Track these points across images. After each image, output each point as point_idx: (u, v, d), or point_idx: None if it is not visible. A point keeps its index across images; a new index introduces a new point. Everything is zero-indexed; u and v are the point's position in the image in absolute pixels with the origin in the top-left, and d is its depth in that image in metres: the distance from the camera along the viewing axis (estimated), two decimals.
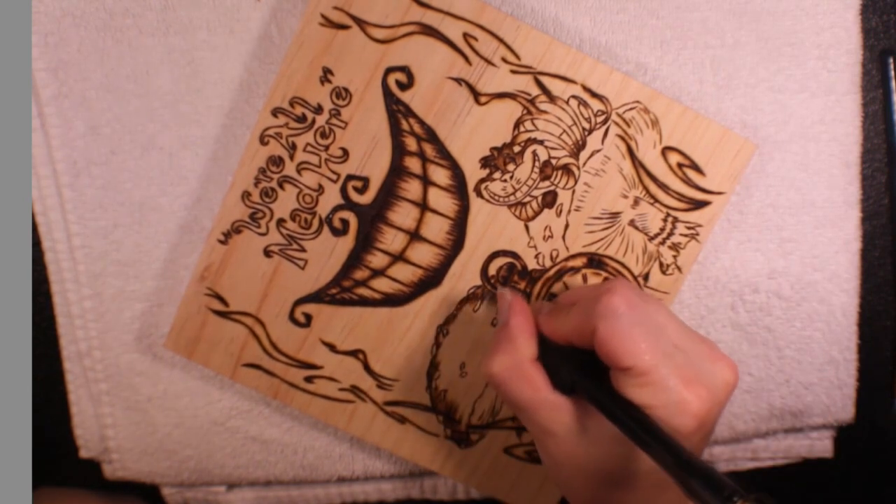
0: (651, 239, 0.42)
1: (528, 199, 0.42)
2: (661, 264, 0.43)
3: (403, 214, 0.42)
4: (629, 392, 0.33)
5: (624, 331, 0.34)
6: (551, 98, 0.41)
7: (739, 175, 0.42)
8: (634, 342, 0.33)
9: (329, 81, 0.41)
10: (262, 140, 0.41)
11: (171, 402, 0.47)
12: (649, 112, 0.41)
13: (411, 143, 0.42)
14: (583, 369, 0.35)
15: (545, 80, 0.41)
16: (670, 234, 0.42)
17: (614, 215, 0.42)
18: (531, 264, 0.43)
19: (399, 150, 0.42)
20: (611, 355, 0.34)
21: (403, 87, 0.41)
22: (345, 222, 0.42)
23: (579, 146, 0.42)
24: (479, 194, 0.42)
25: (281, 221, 0.42)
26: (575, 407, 0.36)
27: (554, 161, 0.42)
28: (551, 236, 0.43)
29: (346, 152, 0.42)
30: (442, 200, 0.42)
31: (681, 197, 0.42)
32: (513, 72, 0.41)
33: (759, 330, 0.47)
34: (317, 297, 0.43)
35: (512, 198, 0.42)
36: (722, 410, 0.35)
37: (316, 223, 0.42)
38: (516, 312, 0.38)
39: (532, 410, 0.36)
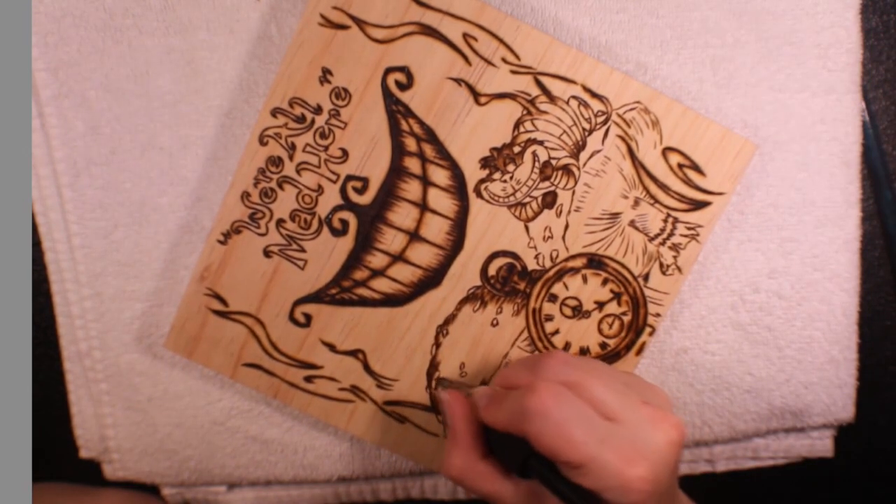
0: (651, 239, 0.42)
1: (527, 199, 0.42)
2: (661, 265, 0.43)
3: (403, 215, 0.42)
4: (574, 479, 0.34)
5: (553, 429, 0.34)
6: (551, 98, 0.41)
7: (740, 176, 0.42)
8: (566, 438, 0.34)
9: (328, 82, 0.41)
10: (262, 140, 0.41)
11: (172, 402, 0.47)
12: (650, 112, 0.41)
13: (411, 144, 0.42)
14: (531, 454, 0.36)
15: (545, 80, 0.41)
16: (670, 234, 0.42)
17: (614, 216, 0.42)
18: (531, 265, 0.43)
19: (399, 151, 0.42)
20: (546, 452, 0.34)
21: (403, 87, 0.41)
22: (344, 222, 0.42)
23: (579, 147, 0.42)
24: (479, 195, 0.42)
25: (280, 222, 0.42)
26: (530, 491, 0.37)
27: (554, 161, 0.42)
28: (551, 237, 0.42)
29: (345, 152, 0.42)
30: (442, 201, 0.42)
31: (681, 197, 0.42)
32: (513, 72, 0.41)
33: (760, 329, 0.47)
34: (316, 297, 0.43)
35: (512, 198, 0.42)
36: (674, 467, 0.36)
37: (315, 223, 0.42)
38: (457, 416, 0.39)
39: (491, 500, 0.38)
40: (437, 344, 0.44)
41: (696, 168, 0.42)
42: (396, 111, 0.41)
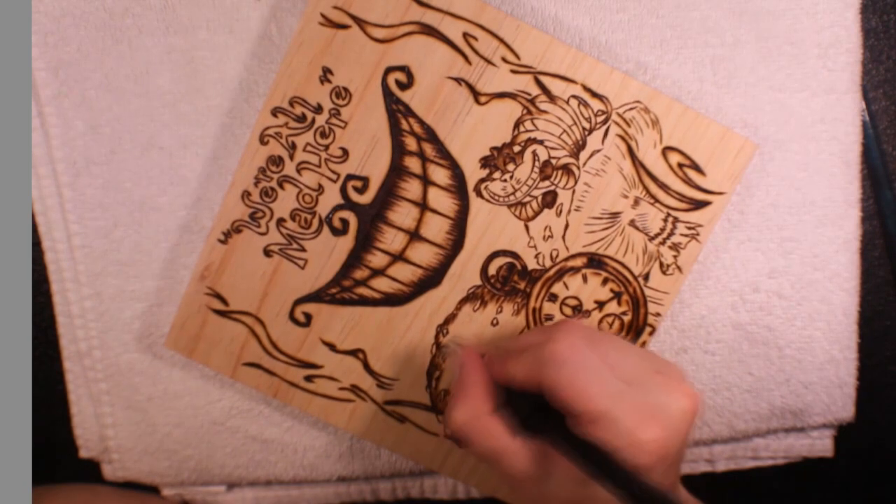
0: (651, 239, 0.42)
1: (528, 198, 0.42)
2: (661, 264, 0.43)
3: (403, 214, 0.42)
4: (585, 434, 0.34)
5: (569, 378, 0.34)
6: (551, 98, 0.41)
7: (740, 175, 0.42)
8: (581, 388, 0.34)
9: (329, 81, 0.41)
10: (262, 140, 0.41)
11: (171, 401, 0.47)
12: (650, 112, 0.41)
13: (411, 143, 0.42)
14: (539, 411, 0.36)
15: (545, 79, 0.41)
16: (671, 234, 0.42)
17: (614, 215, 0.42)
18: (531, 264, 0.43)
19: (399, 150, 0.42)
20: (560, 402, 0.34)
21: (403, 86, 0.41)
22: (345, 222, 0.42)
23: (579, 146, 0.42)
24: (479, 194, 0.42)
25: (281, 221, 0.42)
26: (537, 452, 0.37)
27: (554, 161, 0.42)
28: (551, 236, 0.42)
29: (345, 152, 0.42)
30: (442, 200, 0.42)
31: (681, 197, 0.42)
32: (513, 71, 0.41)
33: (760, 329, 0.47)
34: (317, 296, 0.43)
35: (512, 198, 0.42)
36: (685, 438, 0.35)
37: (316, 223, 0.42)
38: (469, 368, 0.39)
39: (495, 460, 0.37)
40: (438, 343, 0.44)
41: (696, 167, 0.42)
42: (397, 110, 0.41)
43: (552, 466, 0.36)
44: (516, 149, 0.41)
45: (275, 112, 0.41)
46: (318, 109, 0.41)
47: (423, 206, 0.42)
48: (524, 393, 0.37)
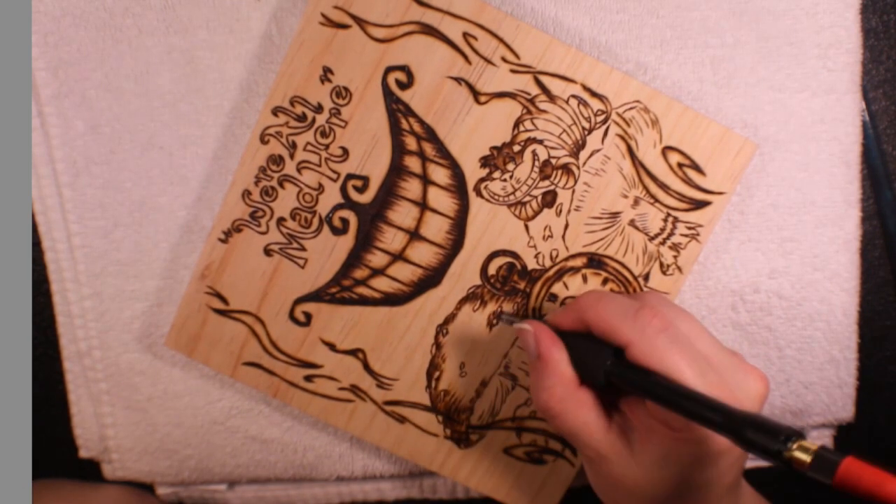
0: (651, 239, 0.42)
1: (527, 198, 0.42)
2: (661, 264, 0.43)
3: (403, 213, 0.42)
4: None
5: (662, 350, 0.34)
6: (551, 97, 0.41)
7: (740, 175, 0.42)
8: (672, 361, 0.33)
9: (329, 80, 0.41)
10: (263, 139, 0.41)
11: (171, 401, 0.47)
12: (649, 111, 0.41)
13: (411, 143, 0.42)
14: (614, 358, 0.36)
15: (545, 79, 0.41)
16: (671, 234, 0.42)
17: (614, 215, 0.42)
18: (531, 264, 0.43)
19: (399, 149, 0.42)
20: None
21: (403, 86, 0.41)
22: (345, 221, 0.42)
23: (579, 146, 0.42)
24: (479, 194, 0.42)
25: (281, 220, 0.42)
26: (621, 427, 0.37)
27: (554, 160, 0.42)
28: (551, 236, 0.42)
29: (346, 151, 0.42)
30: (442, 200, 0.42)
31: (681, 197, 0.42)
32: (512, 71, 0.41)
33: (760, 329, 0.47)
34: (317, 295, 0.43)
35: (512, 197, 0.42)
36: None
37: (316, 222, 0.42)
38: (545, 341, 0.38)
39: (588, 435, 0.36)
40: (437, 343, 0.44)
41: (696, 167, 0.42)
42: (397, 110, 0.41)
43: (634, 443, 0.36)
44: (516, 148, 0.42)
45: (275, 111, 0.41)
46: (319, 109, 0.41)
47: (423, 205, 0.42)
48: (589, 347, 0.36)
